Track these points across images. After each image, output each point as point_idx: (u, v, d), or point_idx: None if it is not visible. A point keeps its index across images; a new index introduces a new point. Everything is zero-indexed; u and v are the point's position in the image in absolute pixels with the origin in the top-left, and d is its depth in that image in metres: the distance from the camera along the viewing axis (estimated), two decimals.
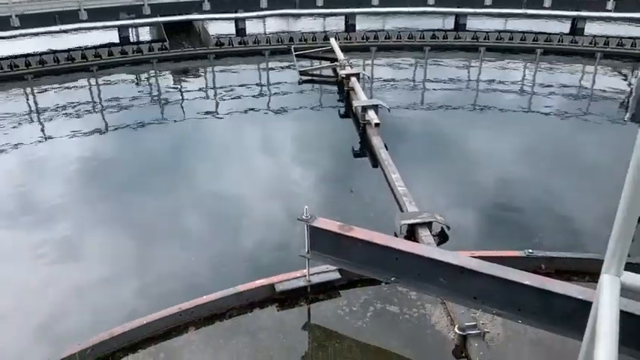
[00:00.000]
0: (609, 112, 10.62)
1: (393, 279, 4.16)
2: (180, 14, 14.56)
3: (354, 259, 4.24)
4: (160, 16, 14.39)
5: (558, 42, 12.87)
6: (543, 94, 11.22)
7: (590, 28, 14.42)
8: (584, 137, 9.35)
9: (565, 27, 14.67)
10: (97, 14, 13.77)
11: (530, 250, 5.12)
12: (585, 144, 8.98)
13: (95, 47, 13.45)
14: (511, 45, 13.05)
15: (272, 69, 13.09)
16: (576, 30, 13.97)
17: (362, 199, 7.25)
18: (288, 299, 4.83)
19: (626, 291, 1.97)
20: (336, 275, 4.85)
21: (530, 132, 9.46)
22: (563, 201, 7.12)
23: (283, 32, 14.98)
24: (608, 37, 13.09)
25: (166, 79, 12.74)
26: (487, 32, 13.46)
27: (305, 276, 4.79)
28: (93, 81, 12.39)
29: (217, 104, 10.92)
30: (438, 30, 14.20)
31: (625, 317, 3.10)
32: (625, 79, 12.28)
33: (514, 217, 6.74)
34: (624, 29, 14.51)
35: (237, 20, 14.89)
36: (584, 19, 14.26)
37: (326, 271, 4.85)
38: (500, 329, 4.58)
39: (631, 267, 2.08)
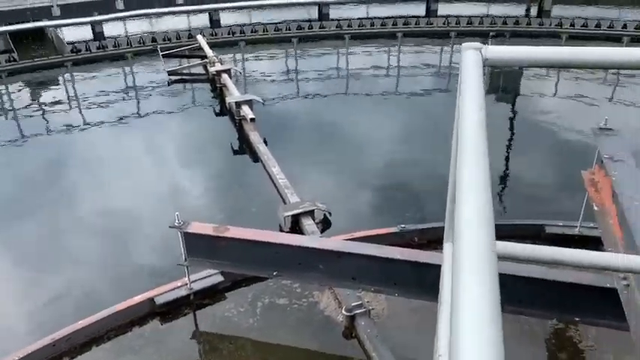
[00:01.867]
0: None
1: (275, 273, 4.17)
2: (27, 22, 13.40)
3: (234, 259, 4.19)
4: (5, 24, 13.14)
5: (415, 24, 13.61)
6: (410, 75, 11.82)
7: (443, 9, 15.40)
8: (449, 113, 9.99)
9: (420, 10, 15.53)
10: None
11: (403, 225, 5.38)
12: (451, 119, 9.61)
13: None
14: (373, 31, 13.58)
15: (138, 72, 12.52)
16: (430, 12, 14.86)
17: (245, 195, 7.21)
18: (171, 311, 4.66)
19: None
20: (219, 278, 4.76)
21: (402, 112, 9.93)
22: (438, 174, 7.55)
23: (146, 33, 14.36)
24: (458, 16, 14.07)
25: (21, 93, 11.69)
26: (350, 20, 13.89)
27: (186, 284, 4.65)
28: None
29: (83, 115, 10.23)
30: (304, 21, 14.41)
31: None
32: None
33: (395, 194, 7.03)
34: (472, 9, 15.68)
35: (93, 24, 14.01)
36: (437, 0, 15.20)
37: (208, 276, 4.74)
38: (384, 304, 4.78)
39: None
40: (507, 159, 8.11)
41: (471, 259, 0.80)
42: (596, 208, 4.18)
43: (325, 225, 6.21)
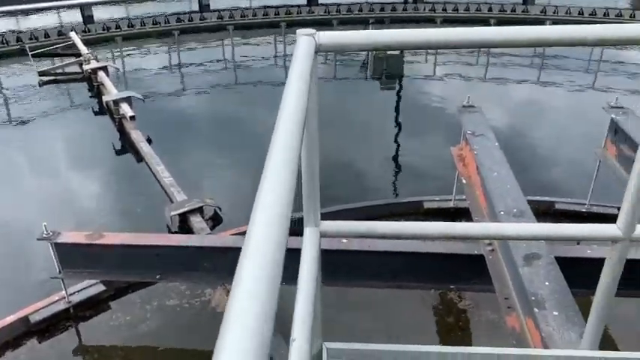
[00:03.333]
0: (354, 72, 11.79)
1: (158, 277, 4.03)
2: None
3: (112, 266, 3.99)
4: None
5: (297, 14, 13.68)
6: None
7: None
8: (342, 97, 10.17)
9: None
10: None
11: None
12: (344, 103, 9.82)
13: None
14: (256, 21, 13.47)
15: (3, 74, 11.51)
16: (311, 1, 14.95)
17: (130, 197, 6.91)
18: (49, 328, 4.36)
19: None
20: (100, 288, 4.53)
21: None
22: (335, 161, 7.66)
23: (9, 32, 13.21)
24: (339, 4, 14.32)
25: None
26: (232, 10, 13.67)
27: (64, 298, 4.37)
28: None
29: None
30: (183, 13, 13.97)
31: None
32: None
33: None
34: None
35: None
36: None
37: (88, 287, 4.49)
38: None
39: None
40: (392, 140, 8.43)
41: (260, 244, 0.80)
42: (464, 181, 4.47)
43: (216, 221, 6.11)
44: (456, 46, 1.62)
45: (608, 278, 2.16)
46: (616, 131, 4.61)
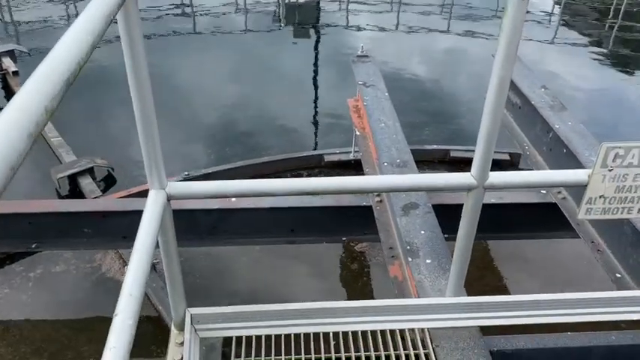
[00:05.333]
0: (268, 23, 11.43)
1: (34, 246, 3.75)
2: None
3: None
4: None
5: None
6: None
7: None
8: (266, 50, 9.86)
9: None
10: None
11: (187, 172, 5.21)
12: (270, 55, 9.52)
13: None
14: None
15: None
16: None
17: None
18: None
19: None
20: None
21: (227, 54, 9.56)
22: (250, 110, 7.43)
23: None
24: None
25: None
26: None
27: None
28: None
29: None
30: None
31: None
32: None
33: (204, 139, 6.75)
34: None
35: None
36: None
37: None
38: None
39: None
40: (305, 91, 8.28)
41: None
42: (357, 133, 4.42)
43: (109, 181, 5.80)
44: None
45: (466, 225, 2.17)
46: None
